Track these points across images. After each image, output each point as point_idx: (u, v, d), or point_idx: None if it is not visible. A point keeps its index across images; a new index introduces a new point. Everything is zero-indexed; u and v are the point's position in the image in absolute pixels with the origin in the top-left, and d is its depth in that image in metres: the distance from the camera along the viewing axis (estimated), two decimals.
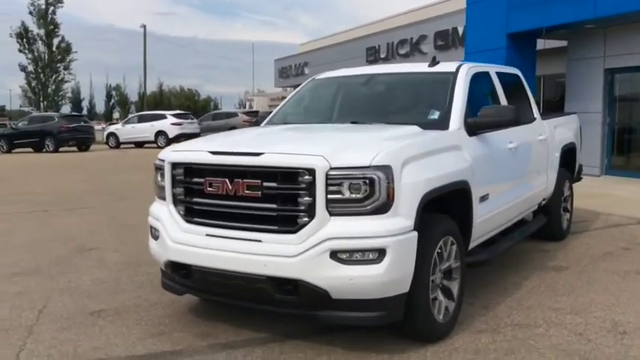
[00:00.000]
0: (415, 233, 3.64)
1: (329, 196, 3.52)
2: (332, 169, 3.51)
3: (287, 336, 4.10)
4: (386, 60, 25.64)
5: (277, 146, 3.92)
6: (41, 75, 48.09)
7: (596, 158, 13.60)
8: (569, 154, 7.14)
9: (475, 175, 4.43)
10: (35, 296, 5.04)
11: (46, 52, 48.29)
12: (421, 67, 5.33)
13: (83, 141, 28.51)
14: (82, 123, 29.53)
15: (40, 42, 48.24)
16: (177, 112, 33.27)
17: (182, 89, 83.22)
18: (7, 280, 5.55)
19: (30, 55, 48.10)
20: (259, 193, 3.68)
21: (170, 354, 3.85)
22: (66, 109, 56.31)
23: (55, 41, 48.55)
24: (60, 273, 5.79)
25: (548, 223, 6.78)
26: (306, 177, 3.53)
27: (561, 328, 4.24)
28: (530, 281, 5.41)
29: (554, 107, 16.07)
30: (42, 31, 48.20)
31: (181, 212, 4.05)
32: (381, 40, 26.66)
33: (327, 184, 3.51)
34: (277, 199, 3.65)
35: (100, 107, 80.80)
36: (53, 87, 48.93)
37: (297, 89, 5.79)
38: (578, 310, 4.63)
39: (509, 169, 5.30)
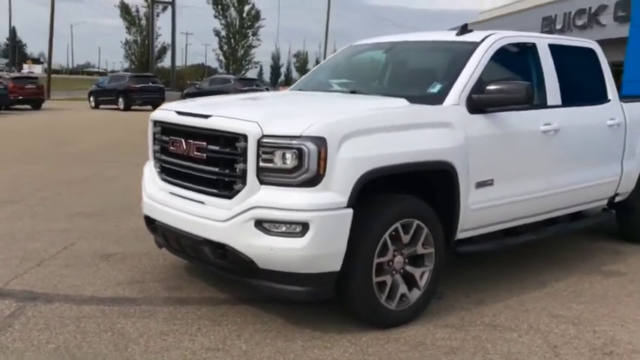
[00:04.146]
0: (349, 211, 3.43)
1: (260, 164, 3.45)
2: (264, 136, 3.43)
3: (243, 301, 4.13)
4: (561, 32, 23.57)
5: (225, 110, 3.91)
6: (232, 40, 52.06)
7: None
8: None
9: (470, 157, 4.02)
10: (73, 235, 5.63)
11: (237, 18, 52.08)
12: (449, 35, 4.86)
13: None
14: (255, 86, 31.36)
15: (232, 8, 52.14)
16: None
17: None
18: (66, 220, 6.24)
19: (223, 21, 52.29)
20: (204, 155, 3.73)
21: (126, 300, 4.10)
22: (266, 75, 60.61)
23: (246, 8, 52.16)
24: (116, 218, 6.36)
25: (630, 223, 5.92)
26: (242, 143, 3.50)
27: (539, 337, 3.74)
28: (561, 283, 4.78)
29: None
30: None
31: (157, 169, 4.24)
32: (557, 9, 24.40)
33: (259, 152, 3.44)
34: (219, 162, 3.67)
35: (295, 73, 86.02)
36: (242, 52, 52.72)
37: (333, 55, 5.64)
38: (582, 321, 4.02)
39: (540, 155, 4.66)
